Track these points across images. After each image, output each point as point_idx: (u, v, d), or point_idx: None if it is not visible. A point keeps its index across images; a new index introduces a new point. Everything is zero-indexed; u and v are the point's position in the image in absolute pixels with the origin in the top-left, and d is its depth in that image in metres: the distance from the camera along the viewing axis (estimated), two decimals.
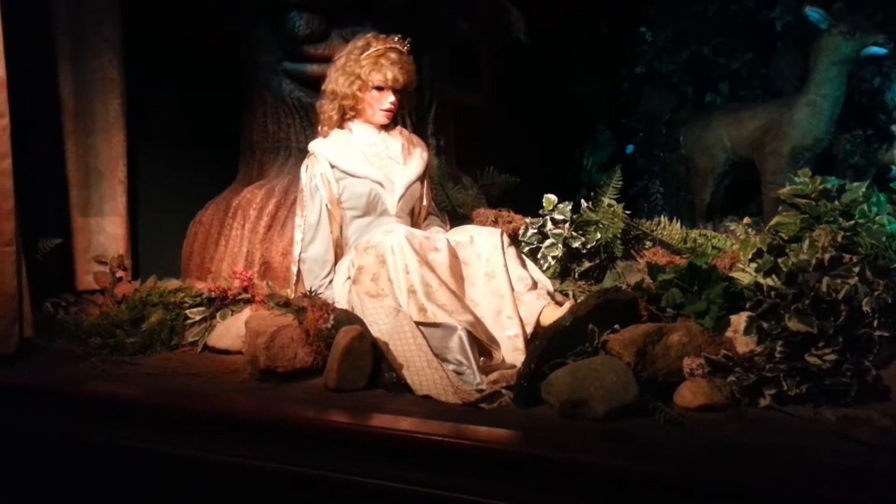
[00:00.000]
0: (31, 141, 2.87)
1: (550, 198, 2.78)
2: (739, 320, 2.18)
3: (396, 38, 2.58)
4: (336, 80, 2.58)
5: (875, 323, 2.03)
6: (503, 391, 2.08)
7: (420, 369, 2.16)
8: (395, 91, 2.56)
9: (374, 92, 2.55)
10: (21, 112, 2.82)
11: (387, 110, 2.58)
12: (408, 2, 3.05)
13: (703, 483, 1.62)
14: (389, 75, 2.52)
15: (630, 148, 4.50)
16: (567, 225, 2.72)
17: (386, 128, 2.65)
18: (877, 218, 2.42)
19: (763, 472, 1.62)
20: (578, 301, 2.34)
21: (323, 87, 2.64)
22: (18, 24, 2.77)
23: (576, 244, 2.69)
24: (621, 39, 4.41)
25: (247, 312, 2.55)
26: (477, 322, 2.28)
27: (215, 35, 3.29)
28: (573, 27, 4.62)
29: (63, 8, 3.13)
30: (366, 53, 2.54)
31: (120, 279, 2.99)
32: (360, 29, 2.94)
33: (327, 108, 2.63)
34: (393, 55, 2.54)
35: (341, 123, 2.63)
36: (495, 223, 2.79)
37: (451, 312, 2.25)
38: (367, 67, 2.53)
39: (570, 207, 2.75)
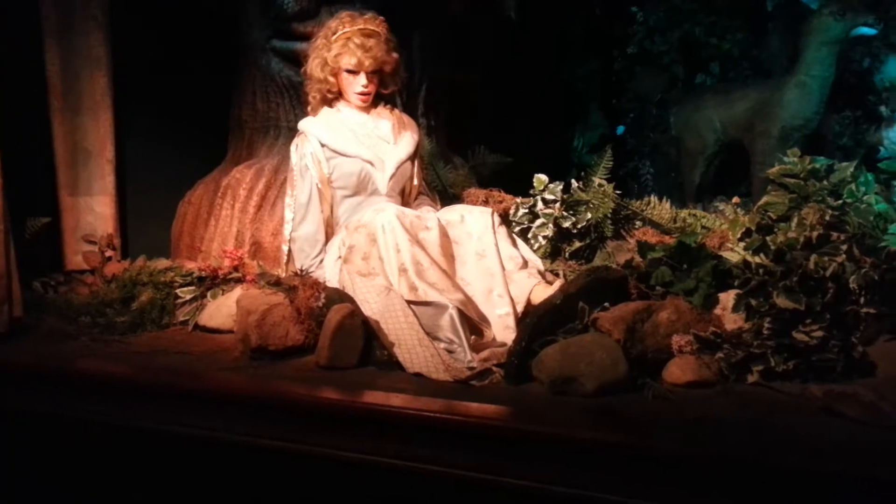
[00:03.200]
0: (17, 120, 2.84)
1: (541, 178, 2.78)
2: (728, 298, 2.19)
3: (367, 17, 2.50)
4: (312, 64, 2.55)
5: (862, 300, 2.05)
6: (494, 369, 2.09)
7: (411, 347, 2.16)
8: (370, 73, 2.52)
9: (347, 75, 2.52)
10: (8, 90, 2.80)
11: (360, 93, 2.54)
12: None
13: (692, 458, 1.64)
14: (354, 60, 2.47)
15: (621, 129, 4.50)
16: (558, 205, 2.72)
17: (375, 107, 2.63)
18: (865, 197, 2.43)
19: (750, 447, 1.64)
20: (569, 279, 2.35)
21: (302, 70, 2.61)
22: (4, 2, 2.73)
23: (566, 224, 2.69)
24: (613, 19, 4.40)
25: (237, 291, 2.54)
26: (468, 300, 2.29)
27: (204, 13, 3.26)
28: (565, 7, 4.60)
29: None
30: (335, 36, 2.49)
31: (109, 259, 2.98)
32: (350, 6, 2.91)
33: (309, 91, 2.60)
34: (360, 38, 2.47)
35: (329, 103, 2.61)
36: (486, 203, 2.79)
37: (442, 291, 2.25)
38: (336, 50, 2.48)
39: (560, 187, 2.75)
